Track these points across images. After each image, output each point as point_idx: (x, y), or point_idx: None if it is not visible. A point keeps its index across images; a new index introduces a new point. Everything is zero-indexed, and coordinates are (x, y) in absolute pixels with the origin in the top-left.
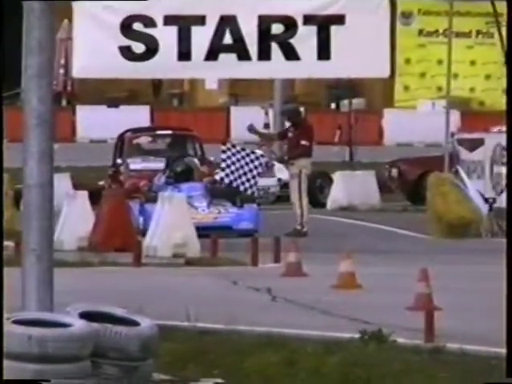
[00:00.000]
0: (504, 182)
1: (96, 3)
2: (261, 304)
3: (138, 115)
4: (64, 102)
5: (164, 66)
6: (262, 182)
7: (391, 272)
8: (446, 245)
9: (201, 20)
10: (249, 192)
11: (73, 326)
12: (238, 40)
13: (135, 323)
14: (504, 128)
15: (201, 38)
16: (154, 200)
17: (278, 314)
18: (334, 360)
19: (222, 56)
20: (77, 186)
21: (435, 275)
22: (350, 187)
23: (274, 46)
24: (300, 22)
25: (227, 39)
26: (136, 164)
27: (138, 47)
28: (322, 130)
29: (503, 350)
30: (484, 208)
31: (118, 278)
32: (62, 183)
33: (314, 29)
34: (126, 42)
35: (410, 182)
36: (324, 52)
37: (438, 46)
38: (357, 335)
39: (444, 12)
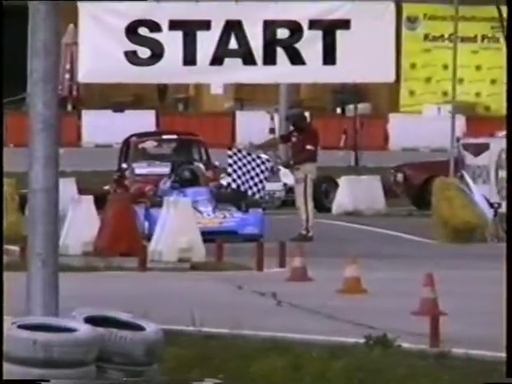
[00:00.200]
0: None
1: (101, 8)
2: (266, 309)
3: (143, 120)
4: (69, 107)
5: (169, 70)
6: (268, 186)
7: (396, 277)
8: (451, 249)
9: (206, 25)
10: (257, 196)
11: (78, 330)
12: (244, 45)
13: (140, 328)
14: None
15: (206, 42)
16: (159, 205)
17: (283, 318)
18: (338, 365)
19: (227, 61)
20: (82, 191)
21: (440, 280)
22: (356, 192)
23: (280, 51)
24: (305, 26)
25: (232, 44)
26: (141, 169)
27: (144, 52)
28: (327, 134)
29: None
30: (489, 213)
31: (123, 282)
32: (68, 188)
33: (319, 33)
34: (131, 46)
35: (416, 186)
36: (329, 57)
37: (444, 50)
38: (362, 340)
39: (449, 17)
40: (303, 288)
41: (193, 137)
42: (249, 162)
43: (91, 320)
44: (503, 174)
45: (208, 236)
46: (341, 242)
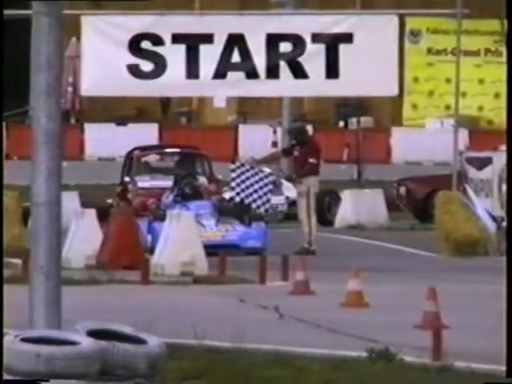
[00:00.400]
0: None
1: (104, 21)
2: (268, 322)
3: (146, 133)
4: (72, 120)
5: (172, 84)
6: (271, 199)
7: (399, 290)
8: (454, 263)
9: (209, 38)
10: (262, 209)
11: (81, 343)
12: (247, 58)
13: (143, 341)
14: None
15: (209, 56)
16: (162, 218)
17: (285, 332)
18: (341, 378)
19: (230, 74)
20: (85, 204)
21: (443, 294)
22: (358, 205)
23: (283, 65)
24: (308, 40)
25: (235, 57)
26: (144, 182)
27: (147, 65)
28: (330, 148)
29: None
30: (492, 226)
31: (125, 295)
32: (71, 201)
33: (322, 47)
34: (134, 60)
35: (418, 200)
36: (332, 70)
37: (447, 64)
38: (364, 354)
39: (452, 30)
40: (306, 301)
41: (195, 150)
42: (252, 176)
43: (94, 333)
44: (506, 187)
45: (211, 249)
46: (343, 256)
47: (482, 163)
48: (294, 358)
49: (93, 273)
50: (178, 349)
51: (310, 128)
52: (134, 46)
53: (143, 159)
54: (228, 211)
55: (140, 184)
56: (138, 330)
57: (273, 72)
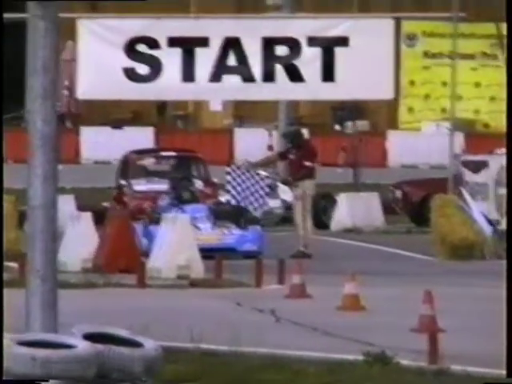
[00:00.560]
0: None
1: (100, 24)
2: (264, 325)
3: (142, 137)
4: (68, 124)
5: (168, 87)
6: (268, 202)
7: (395, 294)
8: (450, 267)
9: (205, 42)
10: (259, 211)
11: (77, 347)
12: (242, 62)
13: (139, 344)
14: None
15: (205, 59)
16: (158, 221)
17: (281, 335)
18: (337, 382)
19: (226, 78)
20: (81, 208)
21: (439, 297)
22: (354, 209)
23: (279, 68)
24: (304, 43)
25: (231, 61)
26: (140, 185)
27: (143, 69)
28: (326, 151)
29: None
30: (488, 230)
31: (122, 299)
32: (67, 204)
33: (318, 50)
34: (130, 63)
35: (414, 203)
36: (328, 74)
37: (443, 67)
38: (360, 357)
39: (448, 34)
40: (302, 305)
41: (191, 154)
42: (247, 179)
43: (90, 336)
44: (502, 191)
45: (207, 253)
46: (339, 259)
47: (477, 166)
48: (290, 362)
49: (89, 276)
50: (174, 352)
51: (305, 131)
52: (130, 49)
53: (139, 162)
54: (224, 214)
55: (136, 187)
56: (134, 334)
57: (269, 75)
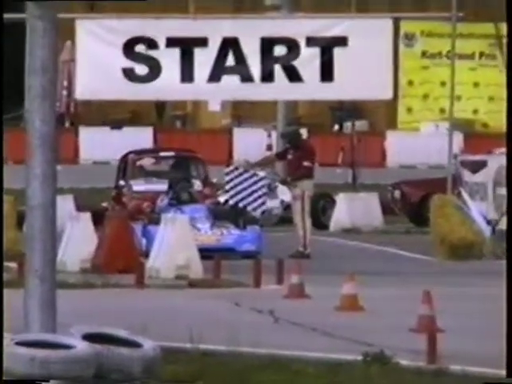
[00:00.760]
0: None
1: (99, 25)
2: (263, 326)
3: (141, 137)
4: (67, 124)
5: (167, 87)
6: (267, 202)
7: (394, 294)
8: (449, 267)
9: (203, 42)
10: (258, 212)
11: (76, 347)
12: (241, 62)
13: (138, 345)
14: None
15: (203, 59)
16: (156, 222)
17: (280, 335)
18: (336, 382)
19: (224, 78)
20: (80, 208)
21: (438, 297)
22: (353, 209)
23: (277, 68)
24: (303, 43)
25: (230, 61)
26: (139, 186)
27: (141, 69)
28: (324, 151)
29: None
30: (487, 230)
31: (120, 299)
32: (65, 205)
33: (316, 51)
34: (128, 63)
35: (413, 203)
36: (327, 74)
37: (441, 67)
38: (359, 357)
39: (447, 34)
40: (300, 305)
41: (190, 154)
42: (246, 180)
43: (89, 337)
44: (501, 191)
45: (205, 253)
46: (338, 259)
47: (476, 166)
48: (289, 362)
49: (88, 276)
50: (172, 352)
51: (303, 131)
52: (129, 49)
53: (138, 163)
54: (223, 215)
55: (135, 188)
56: (132, 334)
57: (267, 76)
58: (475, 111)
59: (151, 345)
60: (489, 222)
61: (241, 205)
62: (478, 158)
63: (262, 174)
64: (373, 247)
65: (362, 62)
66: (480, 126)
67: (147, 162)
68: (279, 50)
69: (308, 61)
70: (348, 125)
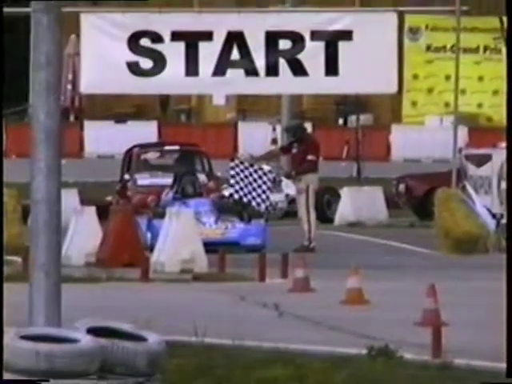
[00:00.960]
0: None
1: (104, 19)
2: (268, 319)
3: (145, 131)
4: (72, 118)
5: (171, 81)
6: (270, 197)
7: (399, 288)
8: (453, 260)
9: (208, 36)
10: (262, 207)
11: (80, 341)
12: (246, 56)
13: (143, 339)
14: None
15: (208, 53)
16: (161, 215)
17: (285, 329)
18: (341, 376)
19: (229, 72)
20: (84, 202)
21: (443, 291)
22: (358, 203)
23: (282, 62)
24: (307, 37)
25: (235, 55)
26: (144, 180)
27: (146, 63)
28: (329, 145)
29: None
30: (491, 223)
31: (125, 293)
32: (70, 199)
33: (321, 45)
34: (133, 57)
35: (418, 197)
36: (332, 68)
37: (446, 61)
38: (364, 351)
39: (451, 28)
40: (305, 299)
41: (195, 148)
42: (250, 174)
43: (93, 331)
44: (505, 184)
45: (210, 247)
46: (343, 253)
47: (481, 160)
48: (293, 356)
49: (92, 270)
50: (177, 346)
51: (308, 125)
52: (134, 43)
53: (143, 157)
54: (227, 208)
55: (139, 182)
56: (137, 328)
57: (272, 69)
58: (480, 105)
59: (156, 339)
60: (493, 216)
61: (245, 200)
62: (482, 151)
63: (266, 168)
64: (377, 241)
65: (366, 56)
66: (484, 120)
67: (152, 155)
68: (284, 44)
69: (313, 54)
70: (353, 119)
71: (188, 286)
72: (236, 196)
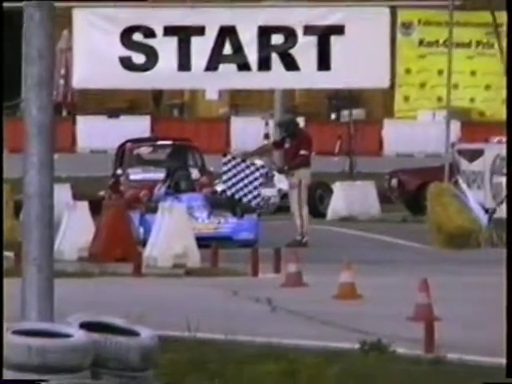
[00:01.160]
0: (504, 192)
1: (96, 13)
2: (261, 314)
3: (138, 125)
4: (64, 113)
5: (164, 76)
6: (263, 192)
7: (391, 282)
8: (445, 255)
9: (200, 30)
10: (253, 203)
11: (73, 336)
12: (238, 50)
13: (135, 333)
14: (504, 138)
15: (201, 48)
16: (154, 210)
17: (277, 324)
18: (333, 370)
19: (221, 66)
20: (77, 197)
21: (435, 285)
22: (350, 197)
23: (274, 57)
24: (300, 32)
25: (227, 50)
26: (136, 174)
27: (138, 57)
28: (322, 140)
29: (503, 360)
30: (484, 218)
31: (118, 288)
32: (62, 193)
33: (313, 39)
34: (126, 52)
35: (410, 192)
36: (324, 62)
37: (439, 56)
38: (357, 345)
39: (444, 22)
40: (298, 293)
41: (187, 143)
42: (243, 170)
43: (86, 325)
44: (498, 179)
45: (203, 242)
46: (335, 248)
47: (473, 155)
48: (286, 351)
49: (85, 265)
50: (170, 341)
51: (300, 120)
52: (126, 38)
53: (135, 151)
54: (220, 203)
55: (132, 176)
56: (130, 322)
57: (264, 64)
58: (472, 100)
59: (149, 333)
60: (486, 211)
61: (237, 196)
62: (474, 146)
63: (259, 162)
64: (370, 236)
65: (359, 51)
66: (477, 115)
67: (144, 150)
68: (276, 39)
69: (305, 49)
70: (345, 113)
71: (180, 280)
72: (228, 192)
